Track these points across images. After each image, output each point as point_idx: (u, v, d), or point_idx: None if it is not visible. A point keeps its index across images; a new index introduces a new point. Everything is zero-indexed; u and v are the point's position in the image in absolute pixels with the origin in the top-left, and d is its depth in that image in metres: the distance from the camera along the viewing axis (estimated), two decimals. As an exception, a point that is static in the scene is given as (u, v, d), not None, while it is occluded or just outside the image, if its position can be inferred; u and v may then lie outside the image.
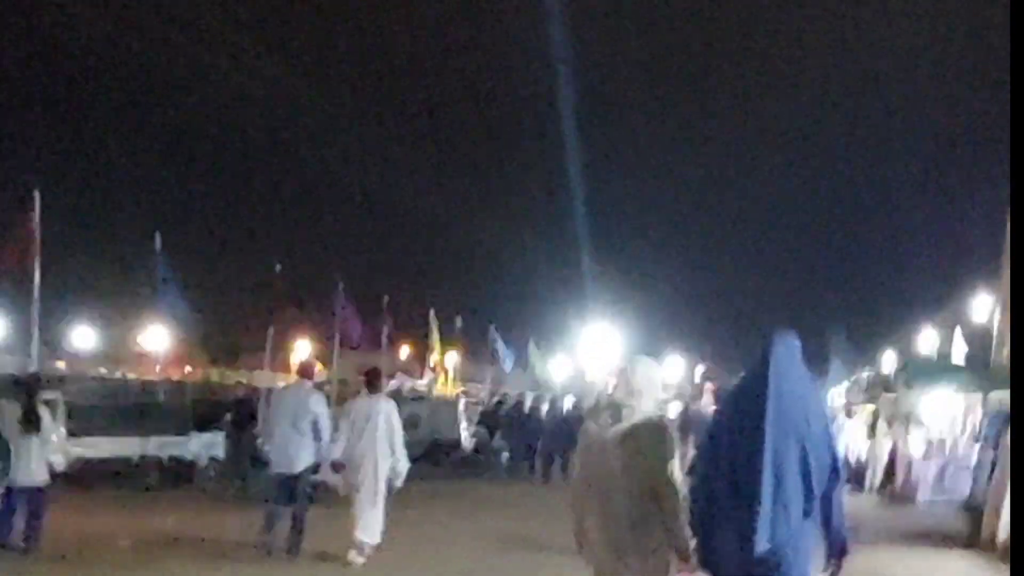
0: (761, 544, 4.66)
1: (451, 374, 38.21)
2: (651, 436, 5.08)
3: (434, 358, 32.60)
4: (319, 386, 13.69)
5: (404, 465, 10.73)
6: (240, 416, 18.94)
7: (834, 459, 4.91)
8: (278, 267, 20.91)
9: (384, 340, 27.44)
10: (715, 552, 4.90)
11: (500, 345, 34.88)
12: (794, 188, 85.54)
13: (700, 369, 69.85)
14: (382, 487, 10.59)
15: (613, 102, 70.97)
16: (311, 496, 11.11)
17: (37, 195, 14.27)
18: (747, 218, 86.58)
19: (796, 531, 4.75)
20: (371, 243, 61.50)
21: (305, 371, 11.67)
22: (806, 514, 4.77)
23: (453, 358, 37.84)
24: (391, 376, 38.47)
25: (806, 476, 4.74)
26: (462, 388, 38.89)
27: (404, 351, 42.21)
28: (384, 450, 10.54)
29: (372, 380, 11.06)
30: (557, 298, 41.74)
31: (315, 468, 10.93)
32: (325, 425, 10.82)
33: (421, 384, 35.07)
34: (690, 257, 71.90)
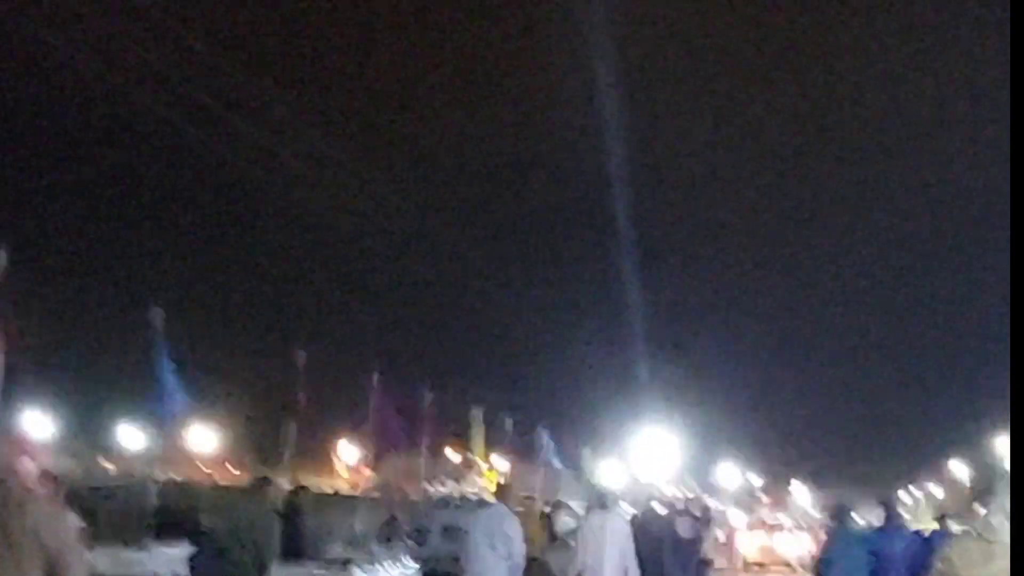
0: None
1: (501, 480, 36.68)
2: None
3: (479, 463, 31.11)
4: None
5: None
6: None
7: None
8: (302, 355, 19.74)
9: (425, 440, 26.18)
10: None
11: (551, 448, 33.31)
12: (856, 296, 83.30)
13: (756, 480, 67.18)
14: None
15: (671, 196, 69.32)
16: None
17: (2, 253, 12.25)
18: (806, 325, 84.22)
19: None
20: (410, 333, 59.01)
21: (503, 493, 12.50)
22: None
23: (502, 463, 36.35)
24: (438, 481, 37.17)
25: None
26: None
27: (450, 454, 40.74)
28: (615, 569, 11.23)
29: (601, 497, 12.61)
30: (610, 400, 40.32)
31: None
32: (519, 548, 11.32)
33: (471, 491, 33.42)
34: (746, 363, 69.66)
